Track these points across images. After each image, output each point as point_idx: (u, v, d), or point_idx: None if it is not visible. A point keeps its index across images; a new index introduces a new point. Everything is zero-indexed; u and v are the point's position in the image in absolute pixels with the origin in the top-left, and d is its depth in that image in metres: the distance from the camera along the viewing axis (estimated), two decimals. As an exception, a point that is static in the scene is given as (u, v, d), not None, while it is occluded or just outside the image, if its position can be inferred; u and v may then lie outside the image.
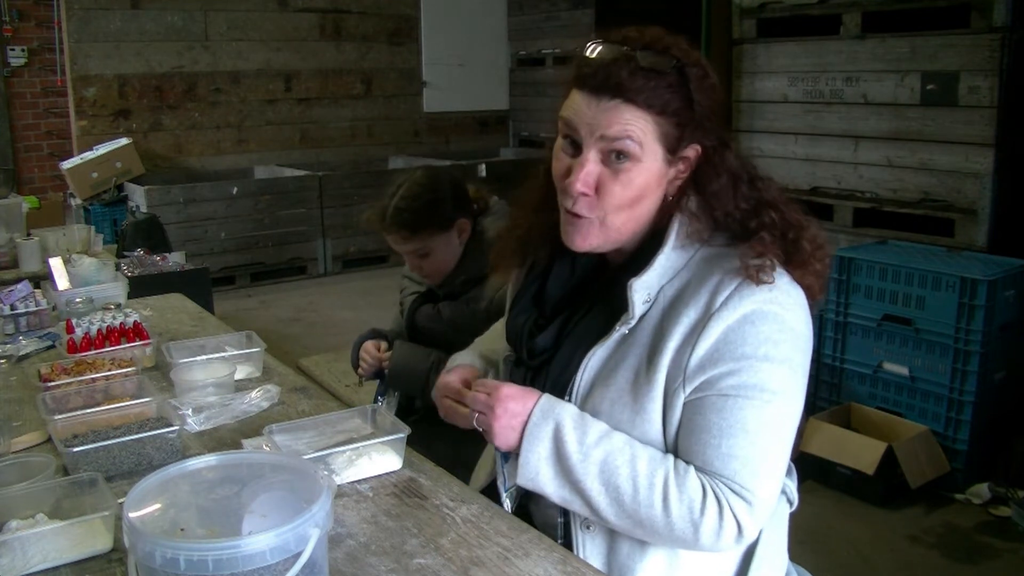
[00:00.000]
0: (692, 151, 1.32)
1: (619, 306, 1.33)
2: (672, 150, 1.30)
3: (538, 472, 1.30)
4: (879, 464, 3.20)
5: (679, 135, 1.29)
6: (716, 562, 1.38)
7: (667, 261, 1.32)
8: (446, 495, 1.48)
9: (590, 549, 1.37)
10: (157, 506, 1.04)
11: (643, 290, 1.31)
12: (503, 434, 1.33)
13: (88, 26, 6.40)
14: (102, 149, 6.27)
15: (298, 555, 0.97)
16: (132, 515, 1.00)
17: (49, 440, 1.75)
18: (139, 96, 6.68)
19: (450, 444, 1.80)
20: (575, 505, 1.31)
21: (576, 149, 1.31)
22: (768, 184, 1.36)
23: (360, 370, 2.34)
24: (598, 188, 1.30)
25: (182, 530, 1.00)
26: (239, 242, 6.39)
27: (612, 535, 1.36)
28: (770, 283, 1.27)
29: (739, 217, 1.32)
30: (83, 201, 6.19)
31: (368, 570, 1.25)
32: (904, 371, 3.45)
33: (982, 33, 3.66)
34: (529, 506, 1.49)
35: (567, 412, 1.32)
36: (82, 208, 6.23)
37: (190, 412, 1.77)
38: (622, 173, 1.28)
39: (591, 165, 1.29)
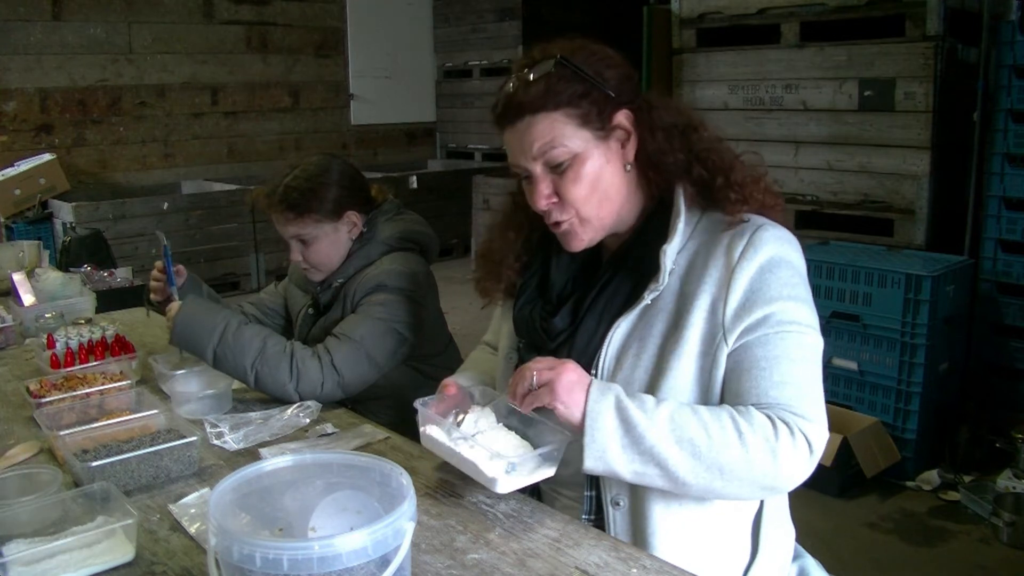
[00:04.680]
0: (621, 117, 1.42)
1: (641, 277, 1.42)
2: (599, 127, 1.40)
3: (606, 449, 1.28)
4: (834, 456, 3.31)
5: (597, 110, 1.39)
6: (729, 526, 1.44)
7: (684, 227, 1.42)
8: (481, 492, 1.48)
9: (620, 525, 1.42)
10: (241, 513, 1.03)
11: (671, 256, 1.40)
12: (570, 391, 1.31)
13: (7, 38, 6.14)
14: (24, 165, 6.02)
15: (397, 549, 0.97)
16: (221, 518, 0.98)
17: (40, 452, 1.70)
18: (62, 110, 6.44)
19: None
20: (649, 476, 1.30)
21: (529, 177, 1.44)
22: (703, 132, 1.47)
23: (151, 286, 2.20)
24: (559, 194, 1.42)
25: (280, 530, 0.99)
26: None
27: (637, 509, 1.40)
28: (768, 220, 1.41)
29: (685, 166, 1.43)
30: (6, 219, 5.94)
31: (425, 568, 1.25)
32: (853, 366, 3.58)
33: (916, 41, 3.84)
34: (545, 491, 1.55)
35: (619, 388, 1.33)
36: (4, 226, 5.98)
37: (227, 429, 1.73)
38: (569, 172, 1.40)
39: (541, 182, 1.42)
